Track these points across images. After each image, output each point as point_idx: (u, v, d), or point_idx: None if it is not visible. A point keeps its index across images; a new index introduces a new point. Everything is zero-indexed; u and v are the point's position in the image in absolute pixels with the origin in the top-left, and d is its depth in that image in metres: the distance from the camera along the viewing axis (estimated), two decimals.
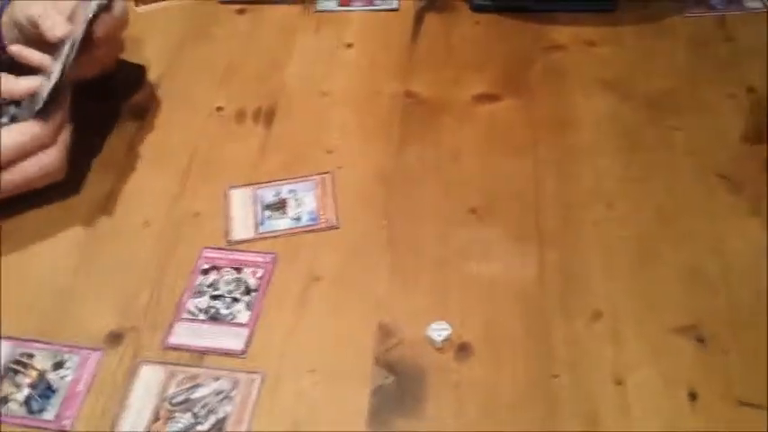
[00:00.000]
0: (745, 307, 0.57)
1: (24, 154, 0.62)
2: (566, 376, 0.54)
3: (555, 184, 0.67)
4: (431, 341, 0.56)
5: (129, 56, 0.80)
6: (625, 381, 0.53)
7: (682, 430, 0.51)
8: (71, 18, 0.65)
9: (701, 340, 0.56)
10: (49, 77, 0.63)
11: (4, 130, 0.61)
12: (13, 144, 0.61)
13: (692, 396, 0.53)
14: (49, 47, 0.64)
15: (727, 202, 0.65)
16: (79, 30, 0.63)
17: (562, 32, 0.82)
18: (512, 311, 0.58)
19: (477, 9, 0.85)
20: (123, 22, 0.70)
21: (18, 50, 0.66)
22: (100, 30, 0.65)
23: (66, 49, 0.63)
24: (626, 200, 0.66)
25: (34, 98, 0.62)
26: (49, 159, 0.63)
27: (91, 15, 0.64)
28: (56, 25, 0.64)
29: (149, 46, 0.82)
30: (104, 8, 0.65)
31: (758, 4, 0.84)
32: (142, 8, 0.87)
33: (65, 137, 0.64)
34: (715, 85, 0.75)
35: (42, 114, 0.62)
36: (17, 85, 0.63)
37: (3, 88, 0.63)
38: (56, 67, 0.63)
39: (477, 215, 0.65)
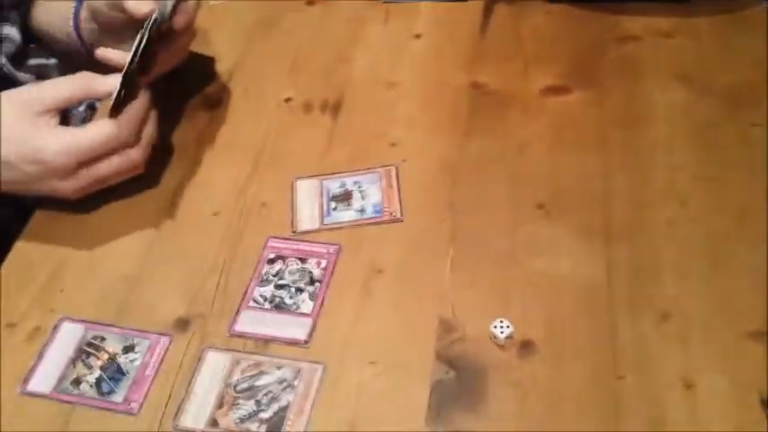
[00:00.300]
0: None
1: (104, 153, 0.63)
2: (631, 378, 0.53)
3: (626, 180, 0.65)
4: (493, 338, 0.56)
5: (201, 48, 0.82)
6: (694, 384, 0.52)
7: None
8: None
9: None
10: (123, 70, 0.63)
11: (82, 131, 0.62)
12: (89, 146, 0.61)
13: (764, 402, 0.51)
14: (132, 29, 0.65)
15: None
16: (157, 14, 0.63)
17: (636, 23, 0.79)
18: (577, 310, 0.57)
19: None
20: (196, 10, 0.70)
21: (103, 54, 0.66)
22: (180, 19, 0.66)
23: (138, 38, 0.62)
24: (700, 199, 0.63)
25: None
26: (130, 158, 0.64)
27: (172, 3, 0.64)
28: (141, 2, 0.63)
29: (220, 38, 0.83)
30: None
31: None
32: (213, 1, 0.88)
33: (150, 130, 0.65)
34: None
35: (116, 111, 0.62)
36: (103, 84, 0.63)
37: (89, 89, 0.64)
38: (126, 58, 0.63)
39: (545, 210, 0.64)
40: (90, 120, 0.71)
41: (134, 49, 0.62)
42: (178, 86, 0.77)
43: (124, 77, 0.62)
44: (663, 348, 0.54)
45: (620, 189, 0.65)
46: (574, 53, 0.78)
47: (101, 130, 0.62)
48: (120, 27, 0.67)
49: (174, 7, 0.65)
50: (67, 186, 0.63)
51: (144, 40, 0.62)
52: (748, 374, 0.52)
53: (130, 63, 0.62)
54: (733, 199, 0.63)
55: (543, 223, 0.63)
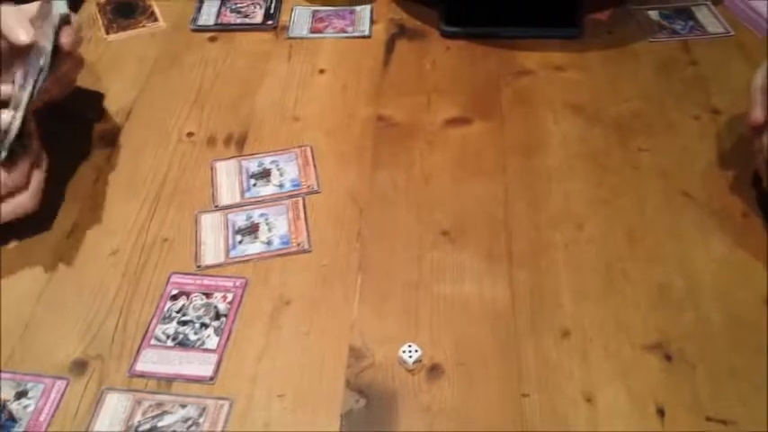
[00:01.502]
0: (711, 324, 0.58)
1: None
2: (536, 395, 0.54)
3: (525, 206, 0.68)
4: (402, 363, 0.56)
5: (98, 84, 0.80)
6: (595, 398, 0.54)
7: None
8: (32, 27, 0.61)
9: (668, 357, 0.56)
10: (16, 108, 0.60)
11: None
12: None
13: (661, 412, 0.53)
14: (9, 64, 0.62)
15: (693, 221, 0.66)
16: (48, 47, 0.60)
17: (530, 58, 0.83)
18: (483, 332, 0.58)
19: (448, 35, 0.86)
20: (80, 35, 0.67)
21: None
22: (66, 42, 0.62)
23: (32, 75, 0.60)
24: (595, 221, 0.66)
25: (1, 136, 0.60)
26: (20, 201, 0.61)
27: (56, 26, 0.61)
28: (19, 30, 0.60)
29: (120, 73, 0.82)
30: (66, 20, 0.62)
31: (720, 30, 0.86)
32: (113, 36, 0.87)
33: (39, 176, 0.62)
34: (681, 108, 0.76)
35: (9, 160, 0.59)
36: None
37: None
38: (23, 97, 0.60)
39: (449, 237, 0.65)
40: None
41: (28, 92, 0.60)
42: (74, 123, 0.75)
43: (21, 123, 0.60)
44: (564, 365, 0.56)
45: (519, 214, 0.67)
46: (473, 86, 0.80)
47: None
48: (5, 52, 0.63)
49: (57, 34, 0.61)
50: None
51: (38, 83, 0.60)
52: (645, 386, 0.54)
53: (26, 107, 0.60)
54: (624, 221, 0.66)
55: (448, 249, 0.64)
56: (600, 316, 0.59)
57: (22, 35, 0.60)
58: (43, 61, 0.61)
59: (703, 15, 0.88)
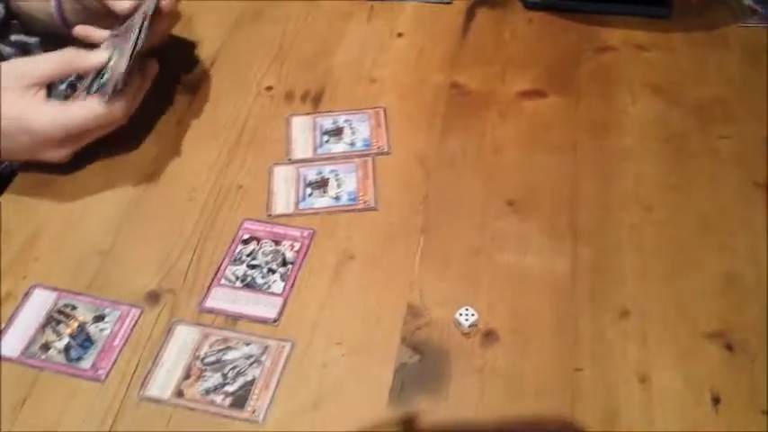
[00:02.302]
0: None
1: (96, 131, 0.65)
2: (589, 370, 0.54)
3: (594, 184, 0.67)
4: (458, 325, 0.57)
5: (185, 33, 0.82)
6: (649, 379, 0.54)
7: None
8: None
9: (729, 347, 0.55)
10: (122, 53, 0.65)
11: (74, 109, 0.64)
12: (79, 124, 0.64)
13: (716, 401, 0.53)
14: (112, 18, 0.67)
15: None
16: (150, 4, 0.65)
17: (613, 35, 0.82)
18: (540, 303, 0.59)
19: (530, 7, 0.85)
20: None
21: (83, 32, 0.68)
22: (165, 4, 0.67)
23: (137, 27, 0.65)
24: (665, 205, 0.66)
25: (106, 75, 0.64)
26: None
27: None
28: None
29: (205, 24, 0.84)
30: None
31: None
32: None
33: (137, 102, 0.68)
34: (765, 96, 0.74)
35: (118, 94, 0.64)
36: (87, 60, 0.65)
37: (74, 64, 0.65)
38: (128, 46, 0.64)
39: (514, 208, 0.66)
40: (69, 97, 0.72)
41: (132, 42, 0.64)
42: (160, 69, 0.78)
43: (125, 71, 0.64)
44: (621, 344, 0.56)
45: (587, 191, 0.67)
46: (552, 59, 0.80)
47: (95, 111, 0.64)
48: (104, 13, 0.68)
49: None
50: (55, 155, 0.65)
51: (141, 33, 0.64)
52: (702, 373, 0.54)
53: (131, 55, 0.64)
54: (696, 208, 0.65)
55: (513, 219, 0.65)
56: (662, 299, 0.59)
57: (126, 3, 0.66)
58: (145, 17, 0.65)
59: None
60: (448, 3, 0.87)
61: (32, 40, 0.80)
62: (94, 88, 0.65)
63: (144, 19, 0.65)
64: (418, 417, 0.28)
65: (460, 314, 0.57)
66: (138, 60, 0.66)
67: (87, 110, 0.64)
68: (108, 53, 0.65)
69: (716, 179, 0.68)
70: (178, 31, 0.82)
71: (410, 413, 0.29)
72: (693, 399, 0.53)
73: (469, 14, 0.85)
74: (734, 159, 0.69)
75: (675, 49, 0.80)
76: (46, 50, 0.74)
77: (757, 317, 0.57)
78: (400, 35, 0.83)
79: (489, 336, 0.57)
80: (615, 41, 0.81)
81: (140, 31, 0.64)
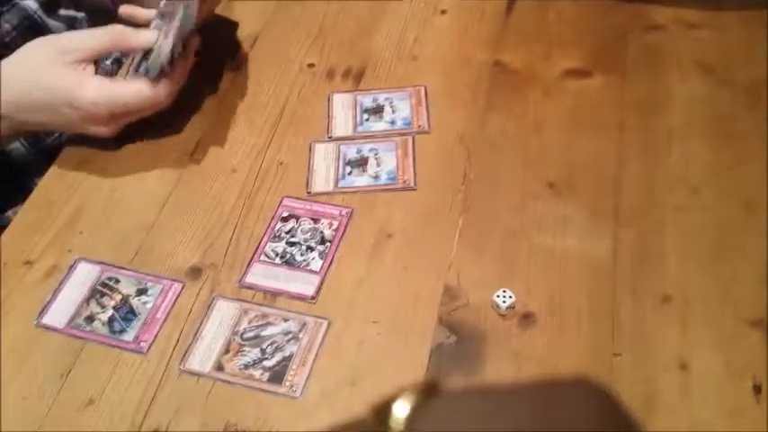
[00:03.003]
0: None
1: (140, 112, 0.66)
2: (628, 355, 0.54)
3: (639, 165, 0.66)
4: (495, 307, 0.57)
5: (227, 11, 0.83)
6: (689, 366, 0.53)
7: (743, 420, 0.50)
8: None
9: None
10: (167, 34, 0.65)
11: (121, 87, 0.65)
12: (125, 103, 0.65)
13: (757, 389, 0.52)
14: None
15: None
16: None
17: (662, 12, 0.79)
18: (580, 286, 0.58)
19: None
20: None
21: (128, 11, 0.69)
22: None
23: (181, 7, 0.65)
24: (712, 187, 0.64)
25: (152, 55, 0.65)
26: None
27: None
28: None
29: (247, 4, 0.84)
30: None
31: None
32: None
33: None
34: None
35: (163, 76, 0.65)
36: (135, 39, 0.66)
37: (122, 42, 0.66)
38: (173, 27, 0.65)
39: (555, 189, 0.65)
40: (115, 73, 0.73)
41: (176, 22, 0.64)
42: (203, 47, 0.78)
43: (170, 50, 0.64)
44: (661, 330, 0.55)
45: (632, 173, 0.65)
46: (597, 39, 0.78)
47: (141, 92, 0.65)
48: None
49: None
50: (99, 131, 0.67)
51: (185, 14, 0.65)
52: (744, 360, 0.53)
53: (176, 37, 0.65)
54: (744, 190, 0.64)
55: (553, 201, 0.64)
56: (705, 284, 0.57)
57: None
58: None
59: None
60: None
61: (80, 15, 0.81)
62: (142, 69, 0.66)
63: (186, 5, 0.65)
64: (441, 384, 0.29)
65: (498, 296, 0.57)
66: (183, 40, 0.66)
67: (133, 90, 0.65)
68: (155, 34, 0.66)
69: (764, 162, 0.65)
70: (220, 10, 0.83)
71: (435, 379, 0.30)
72: (734, 386, 0.52)
73: None
74: None
75: (727, 28, 0.77)
76: (93, 26, 0.76)
77: None
78: (443, 12, 0.82)
79: (527, 318, 0.56)
80: (664, 20, 0.79)
81: (185, 13, 0.65)
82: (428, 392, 0.29)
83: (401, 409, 0.29)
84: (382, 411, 0.29)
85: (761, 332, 0.55)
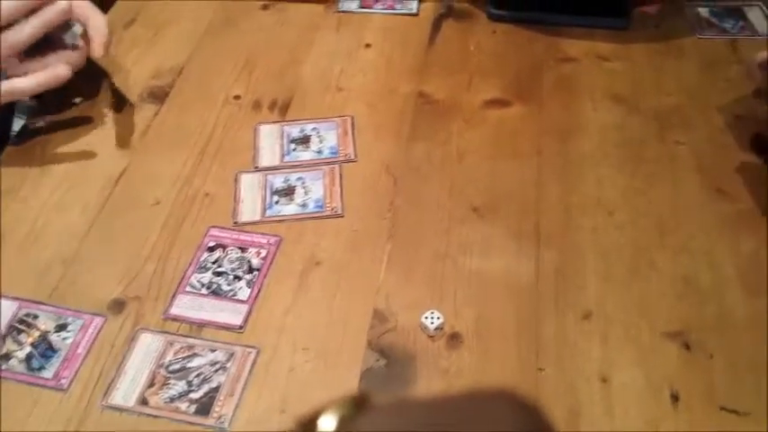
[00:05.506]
0: (733, 318, 0.58)
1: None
2: (552, 370, 0.55)
3: (557, 189, 0.69)
4: (424, 328, 0.57)
5: (153, 42, 0.83)
6: (610, 379, 0.55)
7: (663, 431, 0.52)
8: None
9: (687, 346, 0.57)
10: None
11: None
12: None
13: (675, 398, 0.54)
14: None
15: (724, 217, 0.66)
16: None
17: (575, 46, 0.83)
18: (505, 306, 0.59)
19: (495, 18, 0.87)
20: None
21: None
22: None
23: None
24: (626, 209, 0.67)
25: None
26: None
27: None
28: None
29: (173, 34, 0.85)
30: None
31: None
32: None
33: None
34: (722, 105, 0.76)
35: None
36: None
37: None
38: None
39: (479, 213, 0.67)
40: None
41: None
42: (125, 78, 0.78)
43: None
44: (583, 345, 0.57)
45: (550, 196, 0.68)
46: (516, 70, 0.81)
47: None
48: None
49: None
50: None
51: None
52: (662, 371, 0.55)
53: None
54: (656, 211, 0.67)
55: (478, 225, 0.66)
56: (623, 301, 0.60)
57: None
58: None
59: (755, 16, 0.87)
60: (414, 15, 0.88)
61: None
62: None
63: None
64: (370, 397, 0.29)
65: (426, 317, 0.58)
66: None
67: None
68: None
69: (674, 184, 0.69)
70: (146, 40, 0.83)
71: (364, 393, 0.30)
72: (653, 396, 0.54)
73: (436, 26, 0.87)
74: (691, 165, 0.70)
75: (635, 60, 0.82)
76: None
77: (714, 318, 0.59)
78: (368, 46, 0.84)
79: (455, 338, 0.57)
80: (577, 52, 0.83)
81: None
82: (357, 405, 0.29)
83: (327, 423, 0.29)
84: (308, 425, 0.29)
85: (677, 344, 0.57)
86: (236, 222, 0.65)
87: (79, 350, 0.56)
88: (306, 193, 0.68)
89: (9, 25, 0.64)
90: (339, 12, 0.88)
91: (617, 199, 0.68)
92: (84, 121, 0.74)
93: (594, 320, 0.58)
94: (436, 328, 0.57)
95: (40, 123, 0.73)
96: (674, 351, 0.57)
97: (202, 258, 0.62)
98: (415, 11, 0.88)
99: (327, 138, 0.73)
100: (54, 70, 0.66)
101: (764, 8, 0.88)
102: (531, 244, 0.64)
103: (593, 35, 0.85)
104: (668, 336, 0.58)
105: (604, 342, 0.57)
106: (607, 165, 0.71)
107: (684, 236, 0.65)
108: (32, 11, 0.64)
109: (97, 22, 0.68)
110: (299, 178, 0.69)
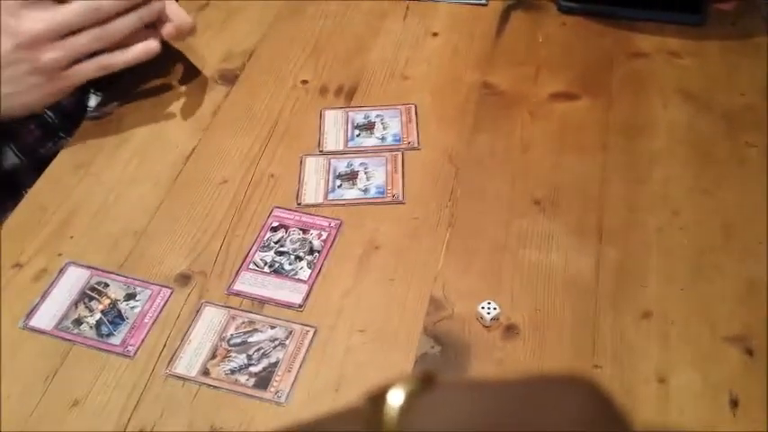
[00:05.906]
0: None
1: (80, 23, 0.64)
2: (608, 368, 0.55)
3: (621, 185, 0.68)
4: (480, 318, 0.58)
5: (224, 25, 0.84)
6: (668, 380, 0.54)
7: None
8: None
9: (749, 351, 0.56)
10: None
11: (58, 5, 0.63)
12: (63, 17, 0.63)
13: (734, 403, 0.53)
14: None
15: None
16: None
17: (647, 41, 0.82)
18: (563, 301, 0.59)
19: (565, 11, 0.86)
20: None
21: None
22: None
23: None
24: (692, 209, 0.66)
25: None
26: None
27: None
28: None
29: (245, 18, 0.86)
30: None
31: None
32: None
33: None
34: None
35: None
36: None
37: None
38: None
39: (541, 207, 0.66)
40: None
41: None
42: (198, 60, 0.80)
43: None
44: (641, 344, 0.56)
45: (615, 193, 0.67)
46: (584, 63, 0.80)
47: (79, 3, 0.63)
48: None
49: None
50: (48, 58, 0.63)
51: None
52: (722, 375, 0.54)
53: None
54: (723, 213, 0.65)
55: (539, 218, 0.65)
56: (684, 302, 0.59)
57: None
58: None
59: None
60: (483, 5, 0.88)
61: None
62: None
63: None
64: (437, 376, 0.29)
65: (482, 307, 0.58)
66: None
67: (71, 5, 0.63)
68: None
69: (742, 186, 0.67)
70: (218, 23, 0.85)
71: (431, 372, 0.30)
72: (711, 401, 0.53)
73: (504, 17, 0.86)
74: (761, 167, 0.69)
75: (708, 57, 0.80)
76: None
77: None
78: (435, 35, 0.84)
79: (510, 330, 0.57)
80: (649, 48, 0.81)
81: None
82: (424, 383, 0.30)
83: (395, 397, 0.29)
84: (376, 399, 0.29)
85: (738, 349, 0.56)
86: (299, 204, 0.67)
87: (146, 319, 0.58)
88: (368, 178, 0.69)
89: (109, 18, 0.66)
90: (407, 0, 0.89)
91: (683, 198, 0.66)
92: (158, 100, 0.76)
93: (654, 320, 0.58)
94: (492, 319, 0.57)
95: (115, 102, 0.76)
96: (734, 356, 0.55)
97: (266, 237, 0.64)
98: (484, 1, 0.88)
99: (391, 125, 0.74)
100: (146, 44, 0.69)
101: None
102: (593, 240, 0.63)
103: (665, 30, 0.83)
104: (729, 340, 0.57)
105: (663, 342, 0.56)
106: (674, 163, 0.70)
107: (750, 239, 0.63)
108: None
109: (180, 14, 0.71)
110: (362, 164, 0.70)
